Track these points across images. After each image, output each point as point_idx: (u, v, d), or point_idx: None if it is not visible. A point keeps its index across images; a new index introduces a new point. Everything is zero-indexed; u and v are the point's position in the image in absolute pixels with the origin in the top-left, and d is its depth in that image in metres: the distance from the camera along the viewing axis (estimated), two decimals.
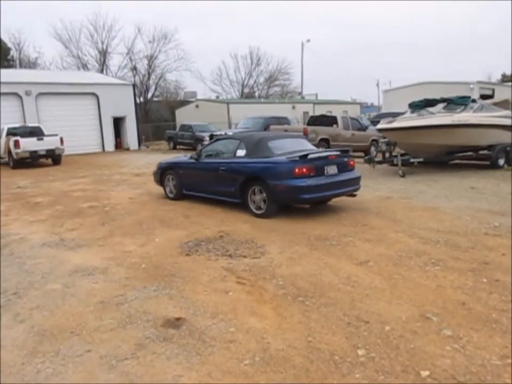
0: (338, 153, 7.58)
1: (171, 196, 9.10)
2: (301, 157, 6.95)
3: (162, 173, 9.31)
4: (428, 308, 3.65)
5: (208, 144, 9.23)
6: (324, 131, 15.89)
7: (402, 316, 3.52)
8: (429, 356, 2.94)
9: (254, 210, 7.28)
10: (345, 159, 7.55)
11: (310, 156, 7.00)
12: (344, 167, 7.44)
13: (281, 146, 7.72)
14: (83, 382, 2.82)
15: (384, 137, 12.58)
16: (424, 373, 2.76)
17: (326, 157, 7.31)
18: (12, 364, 3.05)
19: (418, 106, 12.20)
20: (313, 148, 8.41)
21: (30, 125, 19.81)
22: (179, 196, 8.92)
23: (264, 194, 7.10)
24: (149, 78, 45.74)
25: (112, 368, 2.94)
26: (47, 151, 17.58)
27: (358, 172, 7.79)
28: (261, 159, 7.38)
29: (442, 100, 12.30)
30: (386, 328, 3.32)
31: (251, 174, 7.37)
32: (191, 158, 8.87)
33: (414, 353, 2.98)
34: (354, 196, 7.80)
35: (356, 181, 7.59)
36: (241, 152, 7.81)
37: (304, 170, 6.83)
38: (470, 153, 12.29)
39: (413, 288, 4.07)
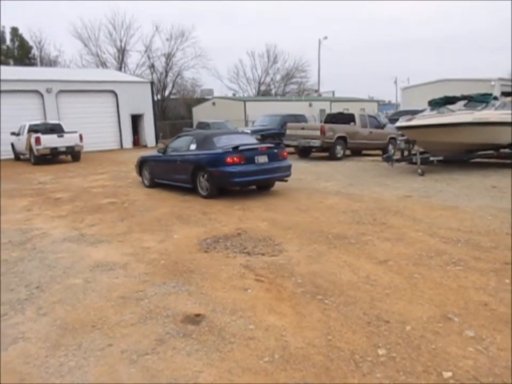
0: (268, 145, 9.21)
1: (147, 184, 10.79)
2: (233, 148, 8.52)
3: (140, 165, 11.09)
4: (449, 308, 3.60)
5: (172, 140, 10.76)
6: (341, 129, 15.77)
7: (423, 316, 3.48)
8: (451, 357, 2.90)
9: (201, 193, 8.95)
10: (276, 151, 9.07)
11: (241, 148, 8.54)
12: (275, 157, 8.97)
13: (225, 141, 9.20)
14: (105, 375, 2.86)
15: (403, 135, 12.42)
16: (447, 374, 2.72)
17: (256, 148, 8.88)
18: (36, 356, 3.11)
19: (438, 103, 12.01)
20: (255, 141, 10.10)
21: (50, 122, 20.14)
22: (152, 184, 10.56)
23: (207, 179, 8.75)
24: (166, 76, 46.11)
25: (133, 363, 2.98)
26: (67, 147, 17.85)
27: (289, 161, 9.33)
28: (205, 151, 8.98)
29: (463, 98, 12.10)
30: (407, 328, 3.28)
31: (197, 163, 8.97)
32: (159, 152, 10.53)
33: (436, 354, 2.94)
34: (286, 181, 9.43)
35: (286, 168, 9.16)
36: (193, 146, 9.45)
37: (235, 159, 8.41)
38: (491, 151, 12.07)
39: (434, 288, 4.02)
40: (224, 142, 9.08)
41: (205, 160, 8.80)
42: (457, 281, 4.16)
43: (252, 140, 10.02)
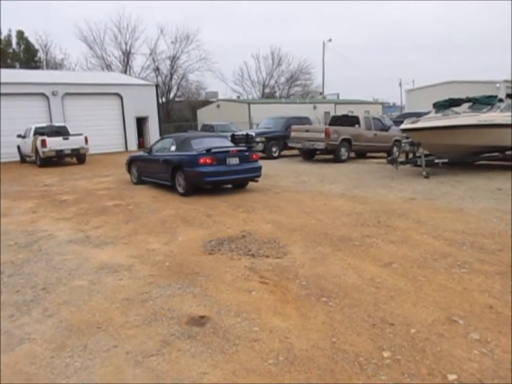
0: (239, 148, 10.09)
1: (134, 181, 11.79)
2: (206, 150, 9.28)
3: (129, 164, 12.09)
4: (454, 311, 3.59)
5: (156, 142, 11.79)
6: (345, 131, 15.76)
7: (428, 318, 3.48)
8: (456, 360, 2.90)
9: (179, 190, 9.68)
10: (247, 153, 9.84)
11: (213, 150, 9.32)
12: (246, 159, 9.69)
13: (202, 143, 9.96)
14: (110, 376, 2.88)
15: (408, 138, 12.40)
16: (451, 377, 2.72)
17: (228, 151, 9.58)
18: (42, 357, 3.13)
19: (443, 106, 11.98)
20: (230, 144, 10.74)
21: (56, 124, 20.23)
22: (139, 181, 11.57)
23: (183, 178, 9.49)
24: (171, 79, 46.26)
25: (138, 364, 2.99)
26: (72, 150, 17.94)
27: (260, 163, 10.05)
28: (183, 153, 9.78)
29: (468, 100, 12.06)
30: (412, 331, 3.28)
31: (176, 163, 9.71)
32: (145, 152, 11.57)
33: (441, 357, 2.94)
34: (256, 181, 10.14)
35: (256, 169, 9.91)
36: (173, 148, 10.29)
37: (207, 160, 9.14)
38: (496, 153, 12.02)
39: (439, 291, 4.01)
40: (200, 145, 9.86)
41: (182, 160, 9.59)
42: (462, 284, 4.15)
43: (227, 143, 10.78)
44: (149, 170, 11.16)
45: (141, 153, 12.14)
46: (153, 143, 11.89)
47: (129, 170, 12.14)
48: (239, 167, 9.53)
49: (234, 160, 9.47)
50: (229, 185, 10.35)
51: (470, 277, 4.32)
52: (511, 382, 2.65)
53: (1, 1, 43.22)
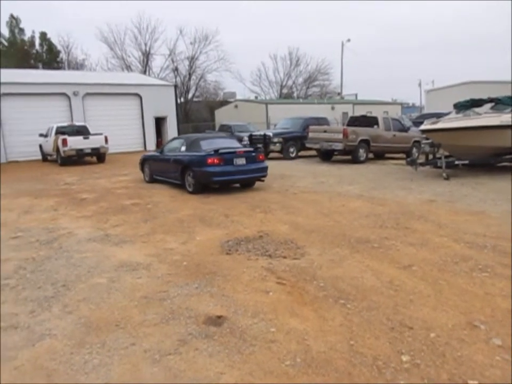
0: (246, 149, 10.53)
1: (147, 179, 12.24)
2: (214, 151, 9.61)
3: (142, 163, 12.56)
4: (475, 316, 3.52)
5: (167, 142, 12.29)
6: (364, 132, 15.63)
7: (449, 323, 3.41)
8: (477, 365, 2.84)
9: (188, 189, 10.10)
10: (254, 154, 10.15)
11: (221, 151, 9.63)
12: (252, 160, 10.02)
13: (211, 144, 10.31)
14: (128, 374, 2.90)
15: (428, 139, 12.21)
16: (472, 383, 2.66)
17: (235, 152, 9.88)
18: (62, 353, 3.18)
19: (464, 106, 11.77)
20: (238, 145, 11.03)
21: (77, 124, 20.57)
22: (151, 180, 12.02)
23: (192, 177, 9.88)
24: (189, 79, 46.56)
25: (156, 362, 3.01)
26: (92, 149, 18.21)
27: (266, 163, 10.39)
28: (192, 153, 10.14)
29: (490, 100, 11.82)
30: (432, 335, 3.23)
31: (186, 163, 10.13)
32: (157, 152, 12.03)
33: (462, 362, 2.88)
34: (262, 180, 10.52)
35: (262, 169, 10.25)
36: (183, 148, 10.66)
37: (215, 161, 9.49)
38: None
39: (459, 295, 3.94)
40: (209, 145, 10.21)
41: (191, 160, 9.99)
42: (484, 288, 4.07)
43: (235, 144, 11.10)
44: (160, 169, 11.58)
45: (153, 153, 12.56)
46: (165, 143, 12.37)
47: (142, 169, 12.58)
48: (245, 167, 9.87)
49: (241, 161, 9.81)
50: (238, 185, 10.63)
51: (492, 281, 4.23)
52: None
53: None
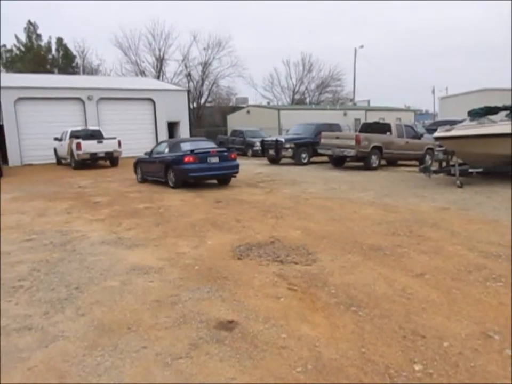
0: (219, 149, 12.20)
1: (139, 180, 13.51)
2: (190, 151, 11.24)
3: (135, 165, 13.88)
4: (489, 326, 3.47)
5: (155, 146, 13.84)
6: (377, 138, 15.57)
7: (462, 332, 3.38)
8: (490, 376, 2.80)
9: (170, 184, 11.74)
10: (226, 153, 11.75)
11: (196, 151, 11.26)
12: (225, 158, 11.63)
13: (190, 146, 11.86)
14: (139, 377, 2.92)
15: (441, 146, 12.12)
16: None
17: (209, 151, 11.48)
18: (74, 355, 3.21)
19: (479, 114, 11.64)
20: (213, 146, 12.79)
21: (90, 128, 20.85)
22: (143, 180, 13.33)
23: (173, 174, 11.54)
24: (202, 84, 46.80)
25: (167, 366, 3.02)
26: (106, 153, 18.43)
27: (237, 162, 12.03)
28: (173, 154, 11.73)
29: (505, 108, 11.70)
30: (445, 344, 3.19)
31: (168, 162, 11.81)
32: (146, 154, 13.37)
33: (475, 372, 2.85)
34: (234, 177, 12.19)
35: (234, 167, 11.84)
36: (167, 150, 12.24)
37: (191, 159, 11.10)
38: None
39: (473, 304, 3.89)
40: (188, 147, 11.72)
41: (172, 160, 11.61)
42: (498, 298, 4.01)
43: (211, 145, 12.73)
44: (149, 170, 13.00)
45: (144, 155, 13.73)
46: (153, 147, 13.88)
47: (135, 171, 13.82)
48: (218, 165, 11.45)
49: (215, 159, 11.38)
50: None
51: (506, 291, 4.17)
52: None
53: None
